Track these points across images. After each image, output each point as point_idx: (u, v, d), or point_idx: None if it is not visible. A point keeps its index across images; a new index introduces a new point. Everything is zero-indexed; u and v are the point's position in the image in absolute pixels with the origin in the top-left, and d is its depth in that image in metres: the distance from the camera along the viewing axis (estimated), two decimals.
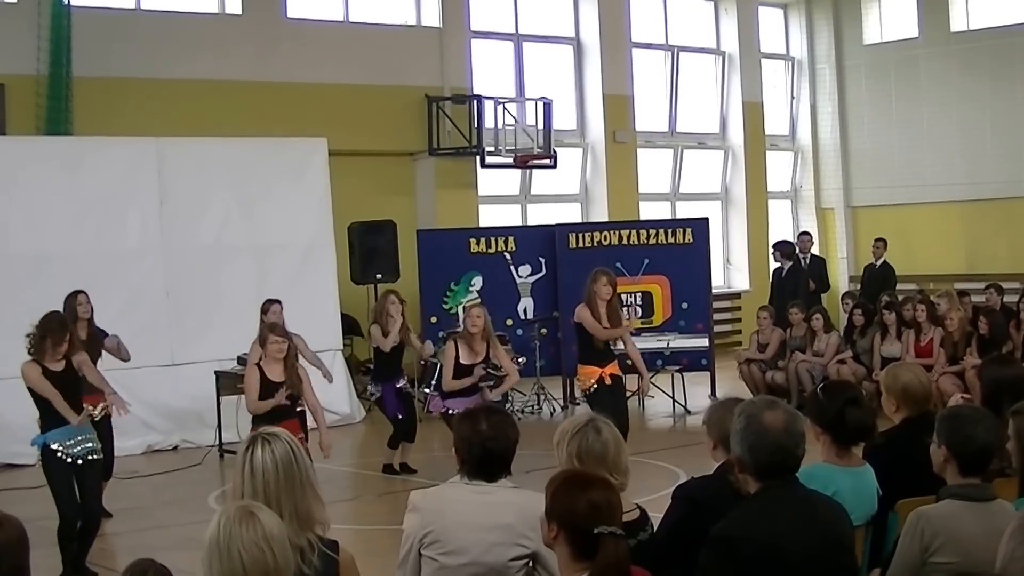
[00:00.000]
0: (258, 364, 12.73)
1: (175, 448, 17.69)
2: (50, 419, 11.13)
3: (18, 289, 16.09)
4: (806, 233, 24.35)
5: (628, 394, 19.94)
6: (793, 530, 5.26)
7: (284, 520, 4.85)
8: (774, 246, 23.10)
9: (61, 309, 12.99)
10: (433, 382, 19.08)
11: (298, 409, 13.56)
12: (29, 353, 11.19)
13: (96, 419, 13.01)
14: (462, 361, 14.34)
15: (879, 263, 23.36)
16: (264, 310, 14.71)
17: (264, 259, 18.63)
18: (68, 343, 11.27)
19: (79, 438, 11.22)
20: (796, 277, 22.05)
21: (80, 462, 11.18)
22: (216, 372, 17.12)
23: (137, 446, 17.27)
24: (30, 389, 11.22)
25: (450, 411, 14.09)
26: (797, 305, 19.88)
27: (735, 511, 5.41)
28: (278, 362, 12.59)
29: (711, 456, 6.51)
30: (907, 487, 6.74)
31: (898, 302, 19.18)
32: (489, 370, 14.64)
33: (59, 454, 11.09)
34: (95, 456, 11.36)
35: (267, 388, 12.48)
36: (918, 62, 28.47)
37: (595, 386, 14.04)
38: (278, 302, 15.05)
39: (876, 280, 22.76)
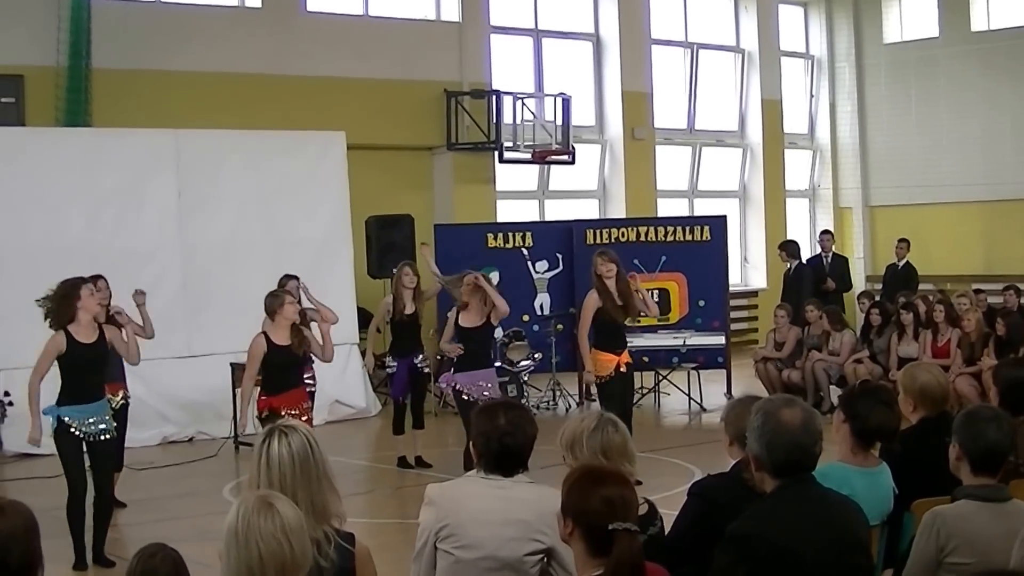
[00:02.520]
0: (264, 332, 12.82)
1: (191, 440, 17.73)
2: (70, 394, 11.25)
3: (35, 280, 15.95)
4: (827, 232, 24.25)
5: (644, 392, 20.06)
6: (808, 529, 5.26)
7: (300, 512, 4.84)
8: (779, 247, 23.02)
9: None
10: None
11: (309, 389, 13.77)
12: (51, 326, 11.29)
13: (114, 408, 13.11)
14: (462, 324, 14.23)
15: (902, 263, 23.31)
16: (281, 285, 14.63)
17: (281, 252, 18.61)
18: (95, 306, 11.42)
19: (96, 417, 11.36)
20: (802, 276, 21.98)
21: (92, 440, 11.32)
22: (232, 364, 17.12)
23: (153, 437, 17.34)
24: (58, 360, 11.28)
25: (457, 386, 14.00)
26: (814, 303, 19.83)
27: (751, 509, 5.41)
28: (285, 328, 12.70)
29: (727, 453, 6.51)
30: (923, 487, 6.74)
31: (914, 302, 19.08)
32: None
33: (72, 430, 11.20)
34: (108, 436, 11.47)
35: (275, 353, 12.64)
36: (938, 61, 28.41)
37: (612, 375, 13.91)
38: (296, 277, 14.99)
39: (898, 280, 22.69)
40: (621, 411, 13.39)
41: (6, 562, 4.44)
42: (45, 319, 11.35)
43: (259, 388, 12.94)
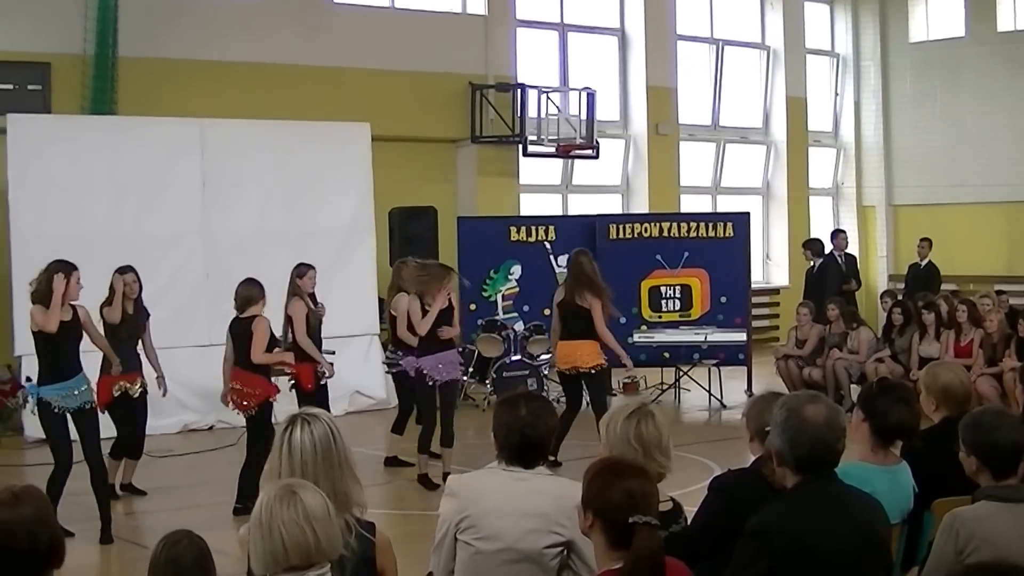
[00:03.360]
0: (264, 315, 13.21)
1: (211, 428, 17.77)
2: (49, 372, 11.76)
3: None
4: (841, 231, 24.22)
5: (664, 387, 20.06)
6: (828, 525, 5.27)
7: None
8: (804, 244, 23.03)
9: (110, 283, 13.31)
10: (471, 369, 19.17)
11: (323, 381, 13.99)
12: (33, 301, 11.80)
13: (135, 396, 13.22)
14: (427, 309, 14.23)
15: (924, 263, 23.27)
16: (300, 274, 14.59)
17: (304, 242, 18.59)
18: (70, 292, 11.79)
19: (77, 392, 11.81)
20: (825, 274, 21.96)
21: (75, 412, 11.81)
22: None
23: (173, 425, 17.38)
24: (36, 336, 11.79)
25: (423, 370, 13.95)
26: (835, 302, 19.80)
27: (772, 504, 5.41)
28: None
29: (749, 449, 6.51)
30: (944, 487, 6.73)
31: (936, 302, 19.03)
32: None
33: (53, 407, 11.68)
34: (89, 406, 11.93)
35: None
36: (964, 61, 28.33)
37: (602, 364, 14.75)
38: (313, 267, 14.91)
39: (921, 280, 22.65)
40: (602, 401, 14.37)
41: (35, 546, 4.48)
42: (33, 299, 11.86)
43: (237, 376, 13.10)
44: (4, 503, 4.53)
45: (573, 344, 14.64)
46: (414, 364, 14.09)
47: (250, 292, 13.15)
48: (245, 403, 13.00)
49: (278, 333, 13.80)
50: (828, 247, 22.95)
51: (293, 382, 14.17)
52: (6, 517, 4.48)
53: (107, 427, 13.48)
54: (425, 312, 14.38)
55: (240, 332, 13.10)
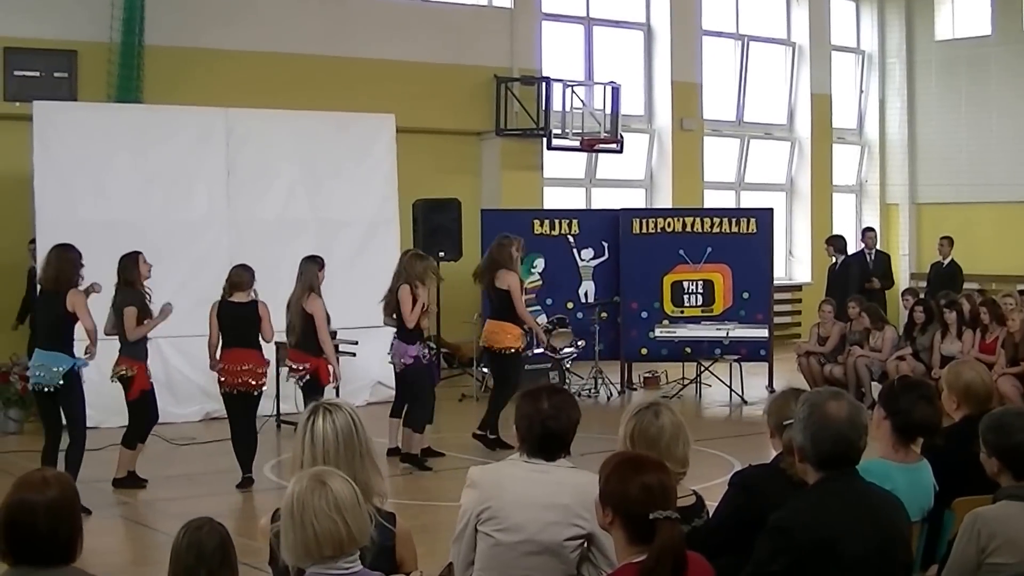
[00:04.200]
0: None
1: None
2: (72, 345, 12.46)
3: (84, 254, 16.16)
4: (871, 229, 24.18)
5: (685, 382, 20.05)
6: (850, 523, 5.27)
7: None
8: (826, 241, 22.98)
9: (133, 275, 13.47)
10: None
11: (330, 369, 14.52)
12: (56, 284, 12.48)
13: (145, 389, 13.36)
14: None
15: (946, 262, 23.19)
16: (321, 267, 14.69)
17: (328, 233, 18.62)
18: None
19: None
20: (848, 272, 21.91)
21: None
22: (276, 343, 17.12)
23: (195, 413, 17.39)
24: (69, 314, 12.35)
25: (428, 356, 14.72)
26: (856, 299, 19.77)
27: (793, 501, 5.41)
28: None
29: (770, 444, 6.51)
30: (964, 485, 6.72)
31: (958, 300, 18.95)
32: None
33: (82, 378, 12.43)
34: None
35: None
36: (989, 59, 28.24)
37: (515, 348, 15.30)
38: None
39: (943, 279, 22.57)
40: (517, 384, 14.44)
41: (56, 532, 4.54)
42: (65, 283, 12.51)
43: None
44: (32, 484, 4.61)
45: (497, 324, 15.36)
46: (414, 352, 14.55)
47: (243, 277, 13.56)
48: (256, 381, 13.27)
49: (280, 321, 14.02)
50: (852, 244, 22.92)
51: (308, 377, 14.25)
52: (32, 498, 4.55)
53: (121, 415, 13.64)
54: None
55: (245, 316, 13.56)
